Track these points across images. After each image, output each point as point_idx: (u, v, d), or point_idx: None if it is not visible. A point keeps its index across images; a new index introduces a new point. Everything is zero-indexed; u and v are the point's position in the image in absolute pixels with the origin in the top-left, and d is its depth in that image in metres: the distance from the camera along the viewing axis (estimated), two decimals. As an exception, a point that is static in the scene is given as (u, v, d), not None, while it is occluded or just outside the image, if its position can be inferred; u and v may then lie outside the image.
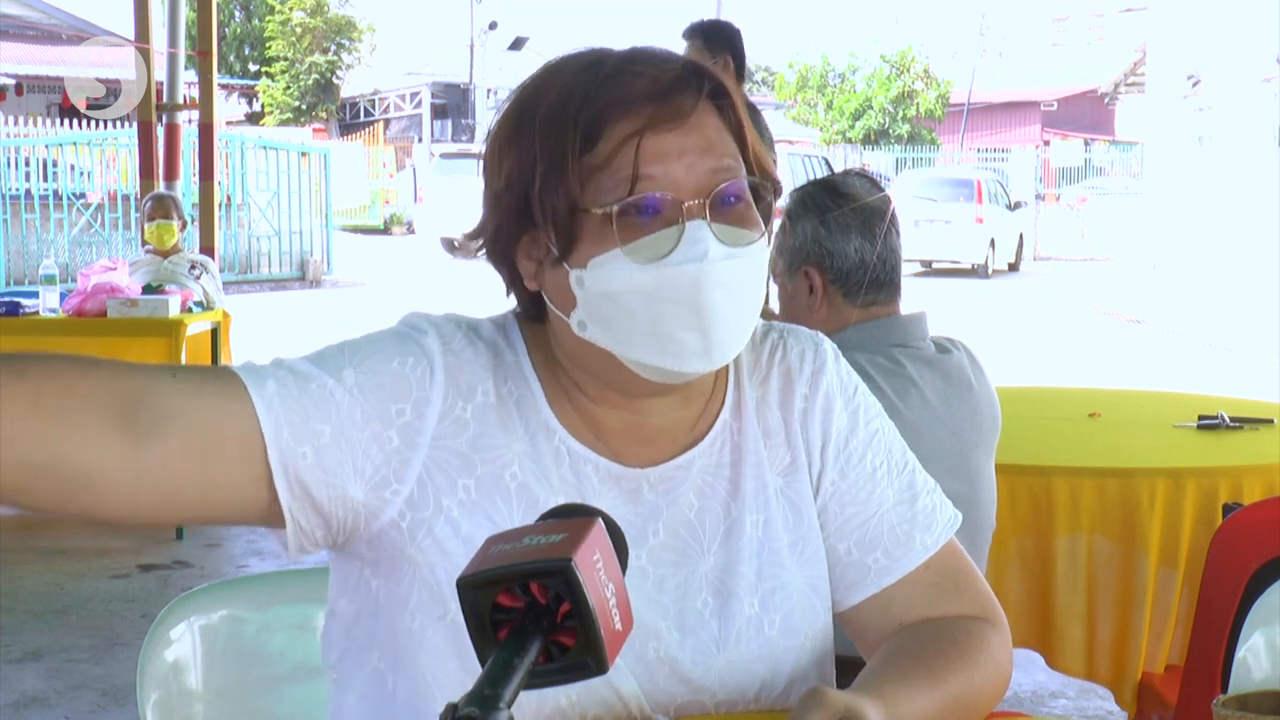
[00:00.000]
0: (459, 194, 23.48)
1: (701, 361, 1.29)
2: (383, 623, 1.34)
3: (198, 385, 1.26)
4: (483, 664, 0.95)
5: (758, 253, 1.30)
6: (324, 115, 40.96)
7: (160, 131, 8.87)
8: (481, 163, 1.36)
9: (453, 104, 41.81)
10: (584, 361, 1.33)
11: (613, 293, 1.27)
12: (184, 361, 5.75)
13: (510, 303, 1.41)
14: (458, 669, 1.29)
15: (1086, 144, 35.12)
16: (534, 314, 1.37)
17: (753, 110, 5.11)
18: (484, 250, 1.36)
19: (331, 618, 1.40)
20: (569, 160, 1.26)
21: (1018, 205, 24.15)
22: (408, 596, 1.32)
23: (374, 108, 43.02)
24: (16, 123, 18.97)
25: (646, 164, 1.26)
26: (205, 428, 1.24)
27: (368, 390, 1.29)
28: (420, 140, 37.51)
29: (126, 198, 16.08)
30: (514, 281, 1.36)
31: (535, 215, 1.28)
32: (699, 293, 1.25)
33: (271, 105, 40.02)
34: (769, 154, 1.38)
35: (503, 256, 1.35)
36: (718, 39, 5.07)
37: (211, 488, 1.25)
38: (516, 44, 41.28)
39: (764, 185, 1.32)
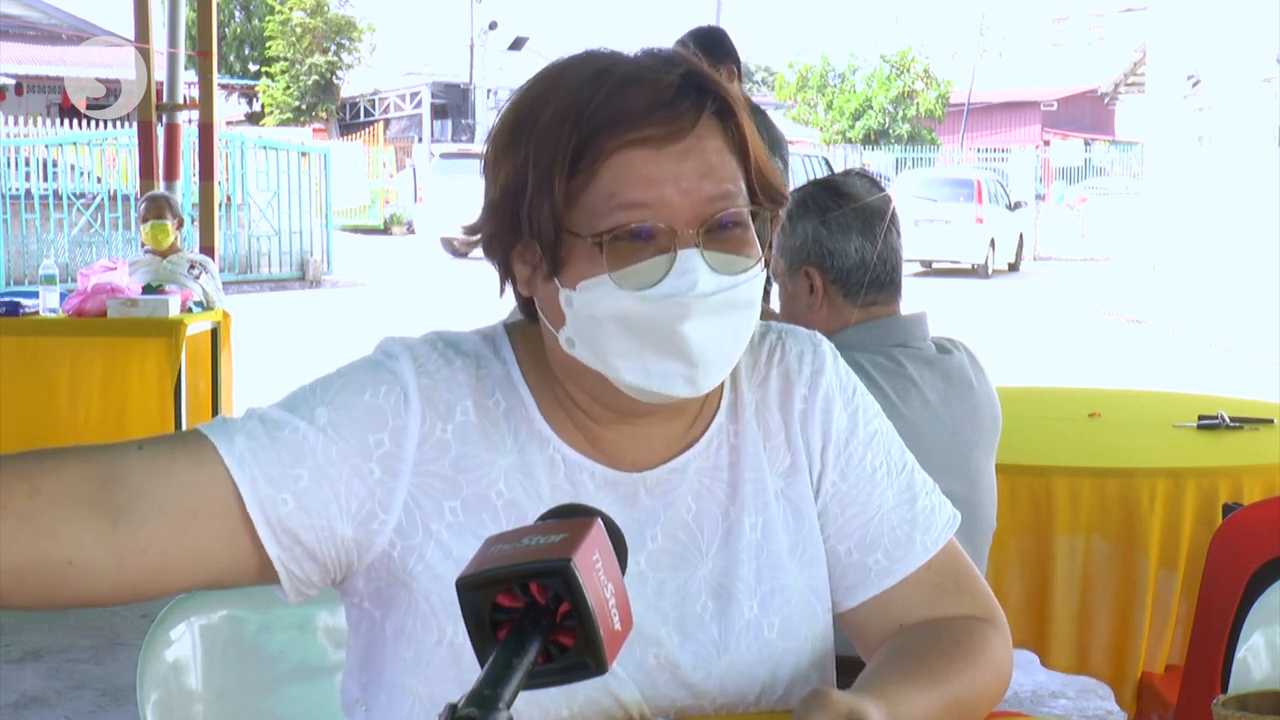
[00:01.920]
0: (459, 194, 23.47)
1: (687, 388, 1.27)
2: (389, 652, 1.34)
3: (167, 455, 1.25)
4: (482, 664, 0.95)
5: (751, 278, 1.27)
6: (324, 115, 40.96)
7: (160, 131, 8.85)
8: (482, 163, 1.35)
9: (453, 104, 41.80)
10: (574, 374, 1.32)
11: (599, 316, 1.25)
12: (184, 362, 5.75)
13: (506, 303, 1.40)
14: (456, 692, 1.29)
15: (1086, 144, 35.13)
16: (530, 312, 1.36)
17: (759, 113, 5.09)
18: (481, 248, 1.36)
19: (349, 653, 1.40)
20: (558, 182, 1.24)
21: (1018, 205, 24.16)
22: (404, 623, 1.32)
23: (374, 108, 43.01)
24: (16, 123, 18.97)
25: (640, 190, 1.23)
26: (180, 497, 1.23)
27: (342, 426, 1.29)
28: (420, 140, 37.51)
29: (126, 198, 16.07)
30: (509, 279, 1.35)
31: (524, 231, 1.27)
32: (686, 322, 1.24)
33: (271, 105, 40.02)
34: (776, 162, 1.36)
35: (499, 257, 1.34)
36: (719, 49, 4.92)
37: (198, 555, 1.25)
38: (516, 44, 41.27)
39: (764, 209, 1.30)
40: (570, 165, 1.24)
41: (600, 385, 1.30)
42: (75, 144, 18.13)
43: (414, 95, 42.43)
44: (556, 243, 1.25)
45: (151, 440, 1.27)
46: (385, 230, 30.25)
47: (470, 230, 1.35)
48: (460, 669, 1.28)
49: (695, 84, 1.28)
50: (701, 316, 1.24)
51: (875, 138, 37.71)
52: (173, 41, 9.20)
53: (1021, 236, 24.09)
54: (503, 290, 1.37)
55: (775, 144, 4.89)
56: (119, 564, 1.21)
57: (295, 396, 1.32)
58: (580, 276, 1.25)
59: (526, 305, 1.36)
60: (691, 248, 1.24)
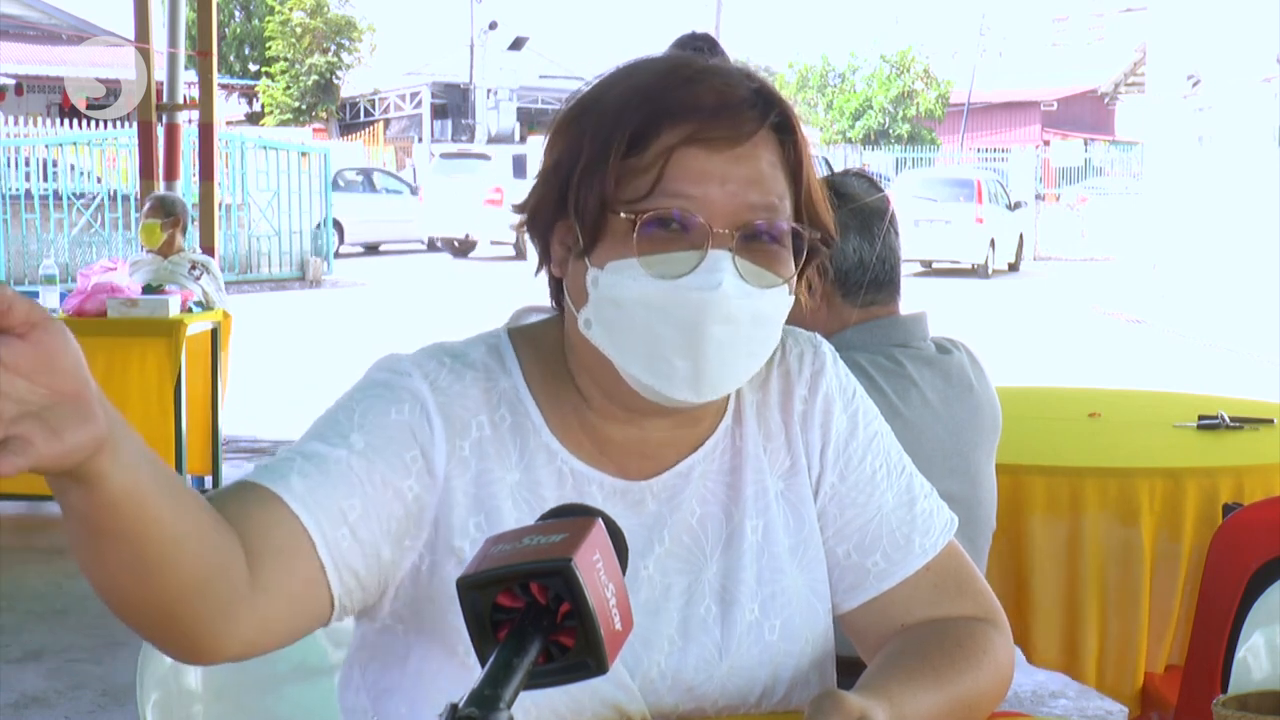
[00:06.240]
0: (459, 194, 23.51)
1: (688, 391, 1.27)
2: (410, 665, 1.34)
3: (237, 503, 1.19)
4: (483, 664, 0.95)
5: (776, 296, 1.28)
6: (324, 115, 40.93)
7: (160, 131, 8.85)
8: (544, 139, 1.36)
9: (453, 104, 41.77)
10: (588, 363, 1.32)
11: (621, 299, 1.25)
12: (184, 362, 5.73)
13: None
14: None
15: (1086, 144, 35.11)
16: (558, 297, 1.37)
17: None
18: (525, 224, 1.36)
19: (350, 666, 1.39)
20: (610, 157, 1.25)
21: (1018, 205, 24.14)
22: (428, 638, 1.32)
23: (374, 108, 42.98)
24: (16, 123, 18.96)
25: (686, 181, 1.24)
26: (265, 538, 1.19)
27: (378, 449, 1.27)
28: (420, 140, 37.50)
29: (126, 198, 16.08)
30: (546, 259, 1.35)
31: (569, 205, 1.28)
32: (701, 322, 1.24)
33: (271, 105, 39.98)
34: (831, 198, 1.35)
35: (540, 235, 1.35)
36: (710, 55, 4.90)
37: (290, 599, 1.21)
38: (516, 44, 41.23)
39: (807, 233, 1.29)
40: (627, 144, 1.25)
41: (609, 375, 1.30)
42: (75, 144, 18.12)
43: (414, 95, 42.40)
44: (597, 219, 1.26)
45: (216, 495, 1.21)
46: (385, 230, 30.17)
47: (520, 208, 1.36)
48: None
49: (764, 97, 1.29)
50: (717, 320, 1.24)
51: (875, 138, 37.71)
52: (173, 41, 9.19)
53: (1021, 236, 24.07)
54: (539, 270, 1.37)
55: None
56: (252, 607, 1.16)
57: (321, 427, 1.28)
58: (610, 257, 1.26)
59: (558, 288, 1.36)
60: (724, 250, 1.24)
